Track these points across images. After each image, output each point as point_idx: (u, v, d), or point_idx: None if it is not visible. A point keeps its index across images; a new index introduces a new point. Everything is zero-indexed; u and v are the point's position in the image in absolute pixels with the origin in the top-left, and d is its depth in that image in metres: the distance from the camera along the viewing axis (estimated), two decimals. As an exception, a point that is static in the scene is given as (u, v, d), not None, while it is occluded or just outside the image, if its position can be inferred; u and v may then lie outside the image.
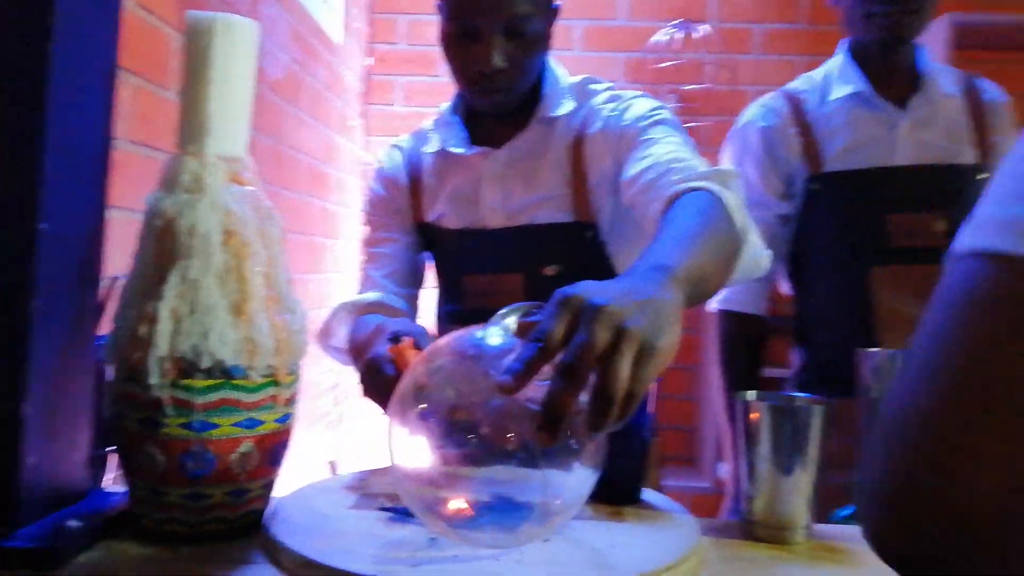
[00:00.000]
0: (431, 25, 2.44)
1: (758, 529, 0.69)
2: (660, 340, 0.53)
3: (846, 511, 0.79)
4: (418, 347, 0.79)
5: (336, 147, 2.12)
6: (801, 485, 0.68)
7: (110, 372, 0.67)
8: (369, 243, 1.19)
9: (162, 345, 0.62)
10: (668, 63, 2.42)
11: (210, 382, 0.63)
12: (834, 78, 1.30)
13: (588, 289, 0.55)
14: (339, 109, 2.14)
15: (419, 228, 1.19)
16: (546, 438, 0.51)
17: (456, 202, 1.14)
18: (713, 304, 1.39)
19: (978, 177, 1.27)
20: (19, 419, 0.61)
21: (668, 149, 0.96)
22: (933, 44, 2.26)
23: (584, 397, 0.52)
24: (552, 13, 1.09)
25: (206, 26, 0.69)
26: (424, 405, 0.58)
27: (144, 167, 1.12)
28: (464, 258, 1.15)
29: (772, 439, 0.68)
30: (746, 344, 1.38)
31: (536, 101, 1.11)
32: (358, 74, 2.37)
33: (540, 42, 1.07)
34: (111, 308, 0.76)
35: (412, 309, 1.18)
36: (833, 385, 1.03)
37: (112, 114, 0.74)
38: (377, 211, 1.20)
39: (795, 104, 1.29)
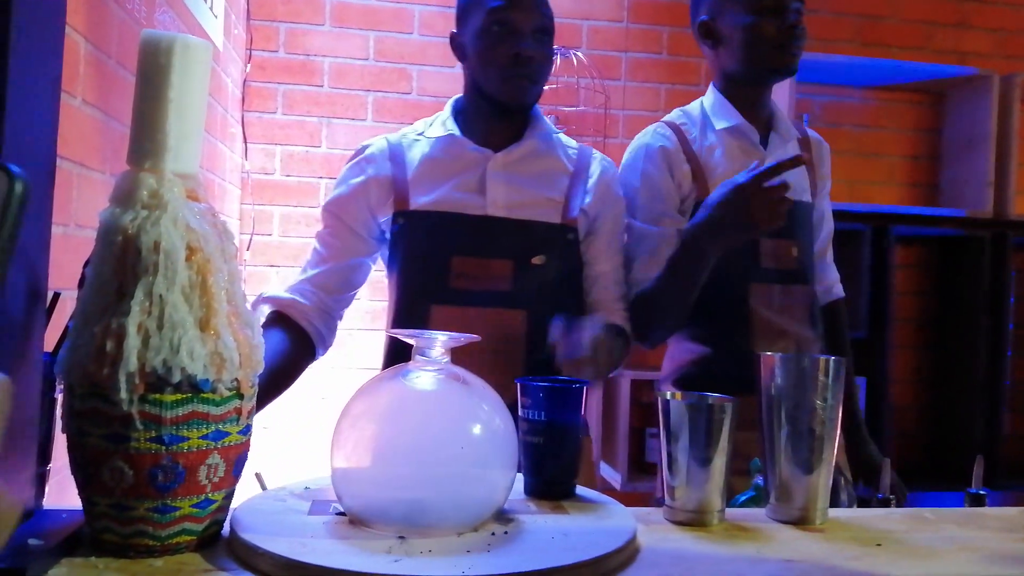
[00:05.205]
0: (309, 34, 2.43)
1: (679, 515, 0.78)
2: None
3: (746, 495, 0.90)
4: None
5: (219, 154, 2.07)
6: (715, 473, 0.78)
7: (60, 389, 0.67)
8: (318, 236, 1.32)
9: (132, 360, 0.63)
10: (547, 86, 2.54)
11: (179, 396, 0.64)
12: (711, 113, 1.41)
13: None
14: (221, 116, 2.09)
15: (397, 216, 1.27)
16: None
17: (458, 191, 1.27)
18: None
19: (813, 213, 1.46)
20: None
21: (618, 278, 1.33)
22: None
23: None
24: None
25: (165, 46, 0.70)
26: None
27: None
28: (456, 241, 1.25)
29: (690, 434, 0.78)
30: None
31: (526, 121, 1.32)
32: (237, 81, 2.32)
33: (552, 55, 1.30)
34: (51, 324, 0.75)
35: (326, 309, 1.30)
36: (717, 381, 1.15)
37: (57, 129, 0.73)
38: (337, 208, 1.30)
39: (680, 134, 1.40)
